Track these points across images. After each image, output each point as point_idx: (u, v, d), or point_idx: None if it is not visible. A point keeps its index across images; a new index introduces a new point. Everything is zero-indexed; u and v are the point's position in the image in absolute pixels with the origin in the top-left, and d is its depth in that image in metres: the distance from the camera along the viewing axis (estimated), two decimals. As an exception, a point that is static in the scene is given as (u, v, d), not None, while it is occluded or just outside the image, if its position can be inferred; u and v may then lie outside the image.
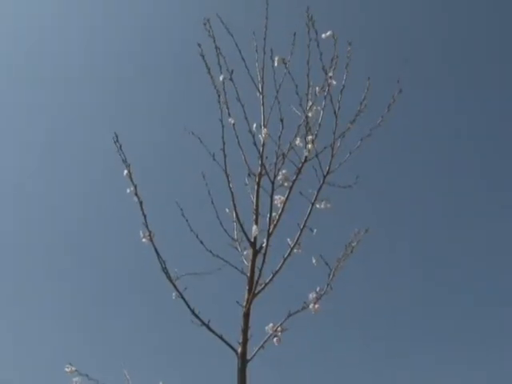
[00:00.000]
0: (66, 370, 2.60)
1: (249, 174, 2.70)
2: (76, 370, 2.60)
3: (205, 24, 2.81)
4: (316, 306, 2.57)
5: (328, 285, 2.60)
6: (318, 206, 2.65)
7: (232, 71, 2.73)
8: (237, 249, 2.65)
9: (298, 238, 2.58)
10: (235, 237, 2.69)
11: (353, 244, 2.69)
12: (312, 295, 2.58)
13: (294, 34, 2.81)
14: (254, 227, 2.59)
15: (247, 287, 2.54)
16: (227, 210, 2.72)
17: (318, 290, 2.59)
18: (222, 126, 2.72)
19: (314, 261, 2.62)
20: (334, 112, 2.77)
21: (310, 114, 2.72)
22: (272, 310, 2.75)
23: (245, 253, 2.63)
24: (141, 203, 2.55)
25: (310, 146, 2.64)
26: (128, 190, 2.57)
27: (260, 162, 2.71)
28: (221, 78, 2.74)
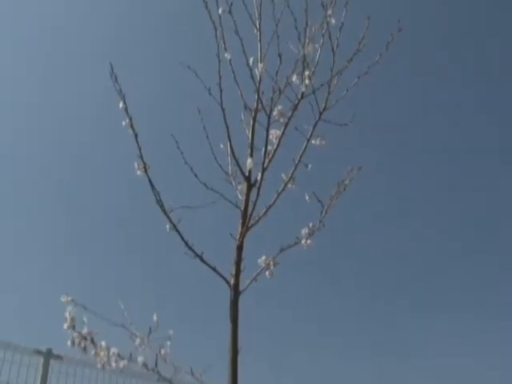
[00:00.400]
0: (62, 299, 2.61)
1: (245, 107, 2.68)
2: (72, 300, 2.62)
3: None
4: (308, 241, 2.60)
5: (320, 221, 2.63)
6: (313, 142, 2.65)
7: (231, 3, 2.69)
8: (231, 183, 2.66)
9: (292, 173, 2.59)
10: (230, 172, 2.69)
11: (346, 182, 2.70)
12: (304, 231, 2.61)
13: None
14: (249, 160, 2.59)
15: (241, 220, 2.55)
16: (222, 146, 2.71)
17: (310, 226, 2.62)
18: (219, 61, 2.69)
19: (307, 197, 2.64)
20: (332, 49, 2.74)
21: (307, 51, 2.70)
22: (265, 244, 2.78)
23: (239, 187, 2.63)
24: (136, 135, 2.54)
25: (307, 81, 2.62)
26: (124, 123, 2.56)
27: (256, 96, 2.69)
28: (220, 11, 2.69)
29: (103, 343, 2.28)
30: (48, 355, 4.76)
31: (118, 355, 2.29)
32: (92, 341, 2.26)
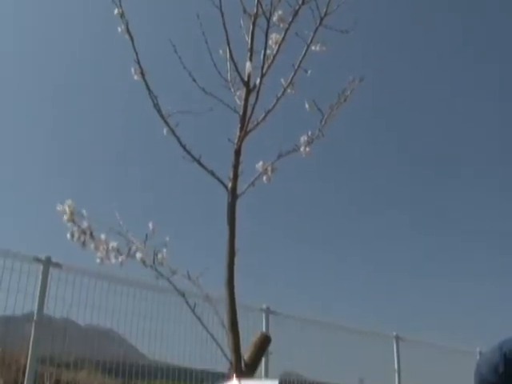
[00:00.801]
0: (58, 209, 2.60)
1: (244, 12, 2.62)
2: (68, 207, 2.62)
3: None
4: (307, 149, 2.60)
5: (320, 130, 2.62)
6: (313, 48, 2.60)
7: None
8: (230, 89, 2.62)
9: (291, 78, 2.55)
10: (229, 78, 2.65)
11: (346, 93, 2.67)
12: (303, 138, 2.60)
13: None
14: (248, 63, 2.54)
15: (239, 125, 2.53)
16: (221, 52, 2.67)
17: (309, 134, 2.61)
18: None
19: (307, 106, 2.61)
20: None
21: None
22: (264, 151, 2.77)
23: (238, 93, 2.60)
24: (132, 40, 2.50)
25: (308, -16, 2.55)
26: (119, 29, 2.52)
27: (256, 1, 2.62)
28: None
29: (102, 236, 2.31)
30: (47, 263, 4.82)
31: (117, 250, 2.32)
32: (91, 235, 2.29)
